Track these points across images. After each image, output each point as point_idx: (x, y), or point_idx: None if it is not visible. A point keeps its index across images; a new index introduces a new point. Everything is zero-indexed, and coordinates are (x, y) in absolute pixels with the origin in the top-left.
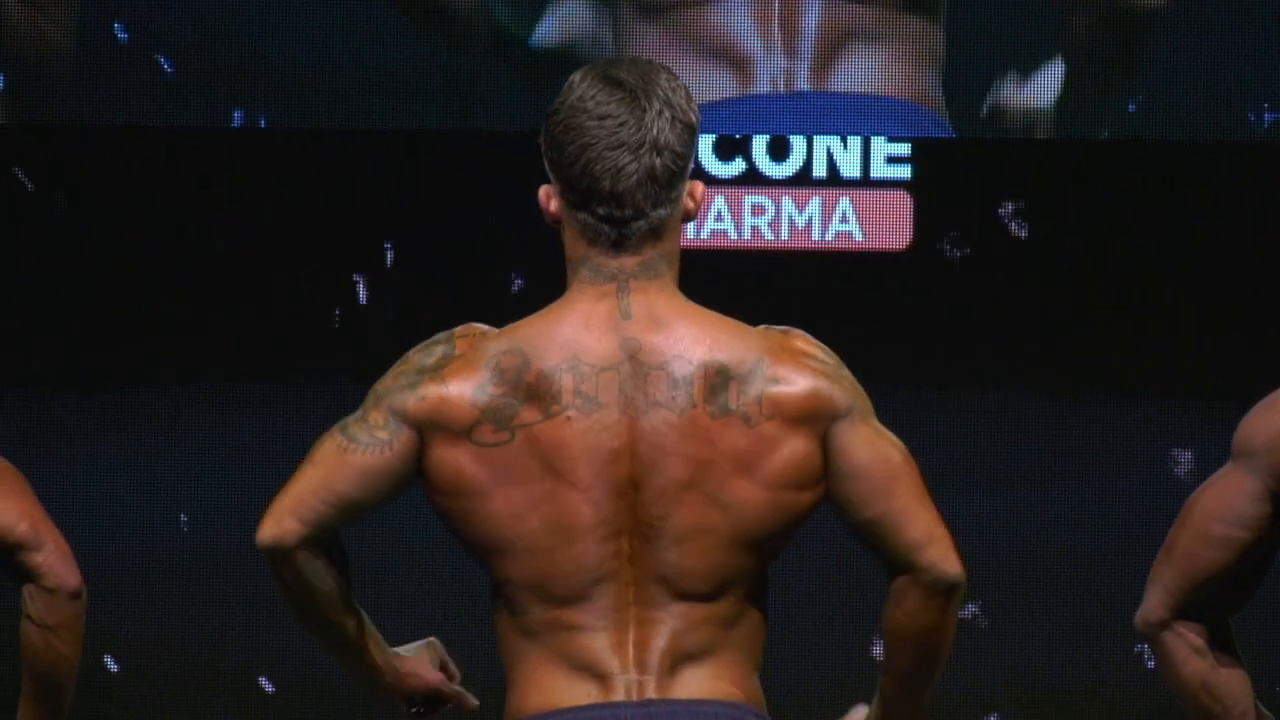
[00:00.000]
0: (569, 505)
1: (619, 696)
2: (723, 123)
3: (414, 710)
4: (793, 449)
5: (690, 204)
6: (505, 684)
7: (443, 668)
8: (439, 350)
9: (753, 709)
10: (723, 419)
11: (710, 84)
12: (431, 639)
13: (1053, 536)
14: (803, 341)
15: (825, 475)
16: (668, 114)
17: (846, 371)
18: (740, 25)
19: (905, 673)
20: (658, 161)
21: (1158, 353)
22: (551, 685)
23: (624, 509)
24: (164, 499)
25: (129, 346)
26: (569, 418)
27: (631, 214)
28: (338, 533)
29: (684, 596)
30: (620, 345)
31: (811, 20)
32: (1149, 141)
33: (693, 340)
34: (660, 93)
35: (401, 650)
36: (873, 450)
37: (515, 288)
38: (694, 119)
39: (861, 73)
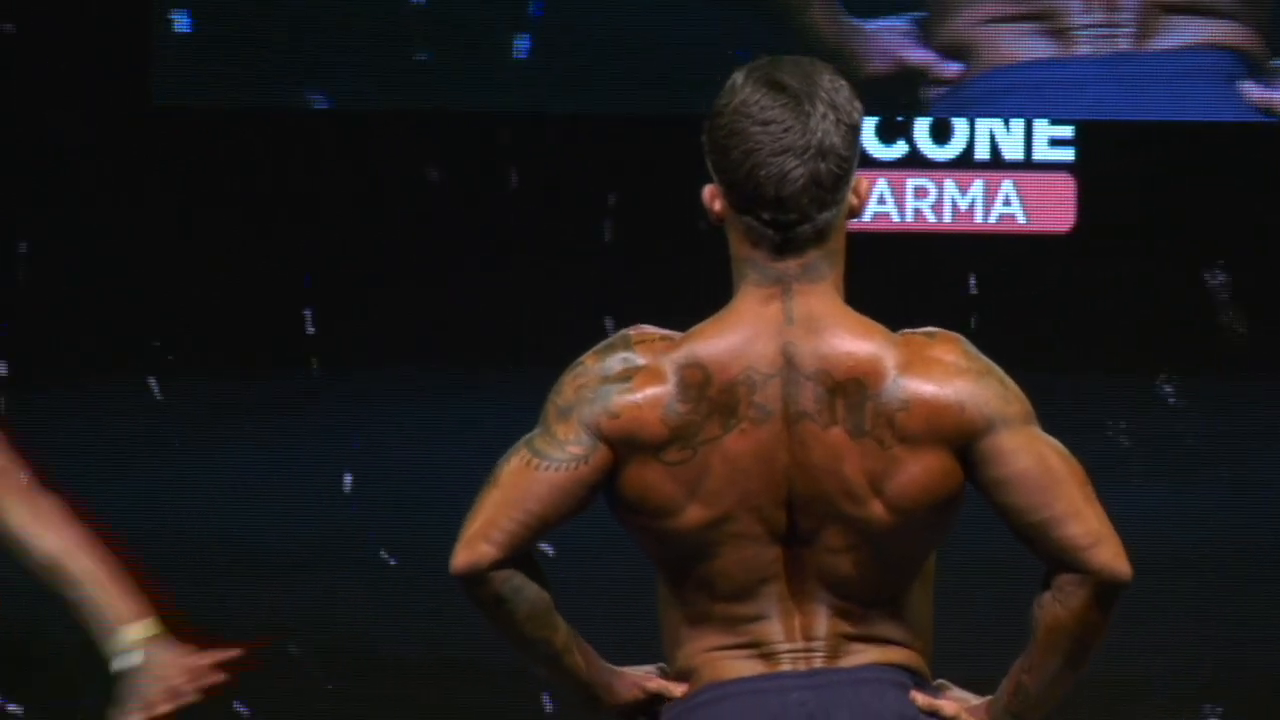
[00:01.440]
0: (740, 515)
1: (785, 668)
2: (1037, 83)
3: None
4: (925, 470)
5: (855, 201)
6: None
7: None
8: (619, 358)
9: (913, 673)
10: (859, 440)
11: (1025, 45)
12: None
13: (1220, 525)
14: (945, 349)
15: (973, 486)
16: (832, 117)
17: (997, 376)
18: None
19: (1053, 668)
20: (822, 166)
21: None
22: (716, 663)
23: (783, 517)
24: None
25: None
26: (744, 430)
27: (796, 218)
28: (532, 549)
29: (842, 595)
30: (782, 350)
31: None
32: None
33: (841, 353)
34: (824, 95)
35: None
36: (1030, 457)
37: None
38: (857, 119)
39: (1182, 31)
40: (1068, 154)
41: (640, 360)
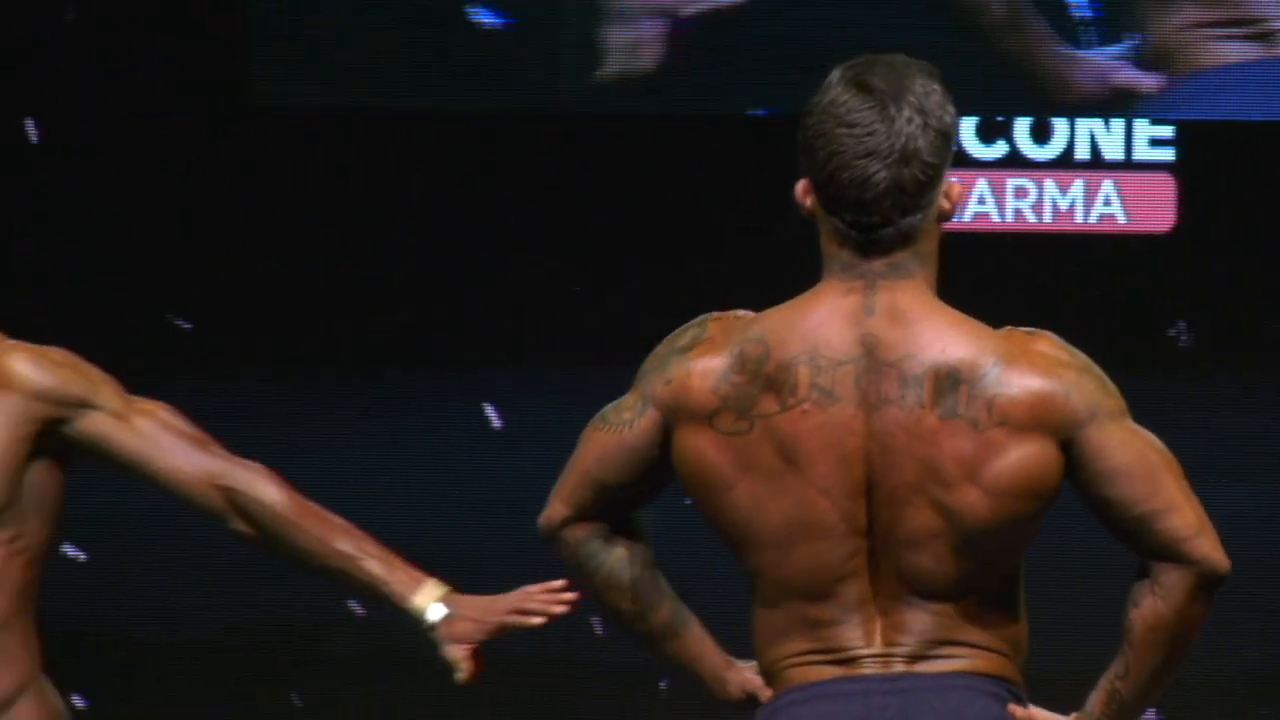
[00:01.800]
0: (807, 501)
1: (867, 672)
2: (1243, 85)
3: None
4: (1022, 456)
5: (946, 205)
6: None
7: None
8: (691, 333)
9: (1006, 684)
10: (950, 422)
11: (1228, 50)
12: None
13: None
14: (1047, 344)
15: (1071, 480)
16: (918, 121)
17: (1096, 373)
18: None
19: (1151, 668)
20: (906, 171)
21: None
22: (798, 669)
23: (861, 509)
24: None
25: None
26: (805, 411)
27: (878, 222)
28: (628, 521)
29: (926, 595)
30: (860, 339)
31: None
32: None
33: (929, 340)
34: (912, 99)
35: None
36: (1129, 450)
37: None
38: (949, 124)
39: None
40: (1168, 154)
41: (707, 334)
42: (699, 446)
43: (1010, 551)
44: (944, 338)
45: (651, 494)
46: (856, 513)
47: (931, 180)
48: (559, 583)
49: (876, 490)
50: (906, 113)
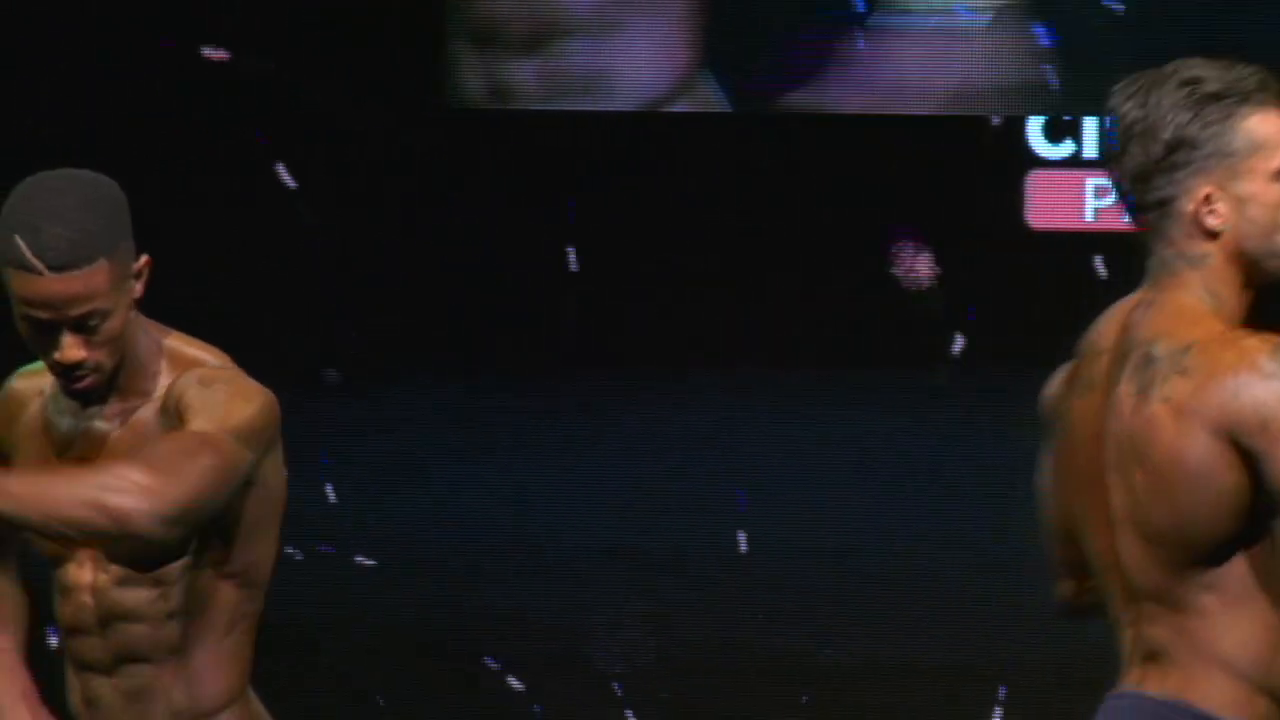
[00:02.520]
0: (1071, 491)
1: (1124, 685)
2: None
3: None
4: (1186, 441)
5: (1188, 208)
6: None
7: None
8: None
9: (1190, 707)
10: (1136, 399)
11: None
12: None
13: None
14: (1257, 342)
15: (1236, 479)
16: (1133, 116)
17: None
18: None
19: None
20: (1120, 166)
21: None
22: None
23: (1106, 496)
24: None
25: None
26: (1075, 402)
27: (1125, 212)
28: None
29: (1144, 594)
30: (1120, 329)
31: None
32: None
33: (1152, 324)
34: (1142, 96)
35: None
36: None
37: None
38: (1171, 128)
39: None
40: None
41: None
42: (1046, 458)
43: (1202, 549)
44: (1163, 324)
45: None
46: (1102, 500)
47: (1141, 178)
48: None
49: (1103, 472)
50: (1128, 104)
